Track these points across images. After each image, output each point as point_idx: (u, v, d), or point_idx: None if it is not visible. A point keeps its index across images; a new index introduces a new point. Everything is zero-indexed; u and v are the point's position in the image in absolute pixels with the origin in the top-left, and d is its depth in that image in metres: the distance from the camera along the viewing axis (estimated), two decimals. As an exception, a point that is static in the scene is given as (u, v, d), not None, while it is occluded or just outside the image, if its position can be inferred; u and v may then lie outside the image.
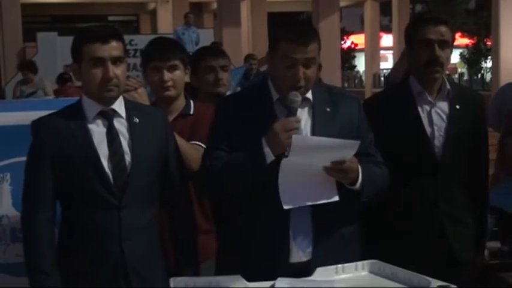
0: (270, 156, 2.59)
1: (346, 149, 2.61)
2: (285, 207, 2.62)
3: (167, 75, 3.25)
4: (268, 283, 2.53)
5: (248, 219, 2.75)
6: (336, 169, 2.60)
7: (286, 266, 2.68)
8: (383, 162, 2.85)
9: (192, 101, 3.38)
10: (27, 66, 11.71)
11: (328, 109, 2.79)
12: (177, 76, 3.28)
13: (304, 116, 2.75)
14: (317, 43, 2.72)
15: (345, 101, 2.87)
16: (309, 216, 2.71)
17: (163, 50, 3.30)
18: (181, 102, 3.34)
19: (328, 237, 2.73)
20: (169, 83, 3.26)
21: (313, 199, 2.66)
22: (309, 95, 2.77)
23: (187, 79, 3.41)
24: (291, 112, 2.65)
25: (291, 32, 2.70)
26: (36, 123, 2.72)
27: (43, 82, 11.48)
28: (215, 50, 3.82)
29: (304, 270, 2.65)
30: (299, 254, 2.71)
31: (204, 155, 2.82)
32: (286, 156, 2.58)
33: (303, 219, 2.70)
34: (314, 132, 2.73)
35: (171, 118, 3.25)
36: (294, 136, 2.56)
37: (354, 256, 2.77)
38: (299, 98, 2.66)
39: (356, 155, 2.64)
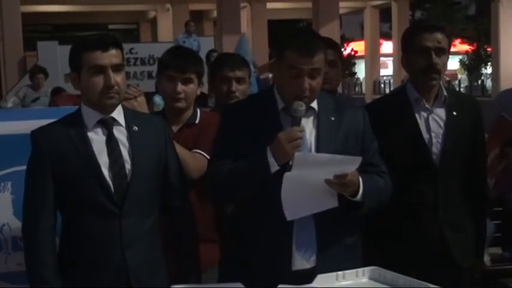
0: (274, 166, 2.60)
1: (348, 165, 2.62)
2: (289, 218, 2.64)
3: (180, 87, 3.24)
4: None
5: (251, 227, 2.75)
6: (337, 183, 2.61)
7: (289, 274, 2.68)
8: (386, 172, 2.85)
9: (198, 110, 3.37)
10: (41, 70, 11.65)
11: (332, 118, 2.79)
12: (190, 89, 3.27)
13: (309, 125, 2.75)
14: (323, 53, 2.71)
15: (350, 110, 2.87)
16: (313, 224, 2.71)
17: (180, 61, 3.28)
18: (189, 113, 3.33)
19: (332, 245, 2.74)
20: (181, 95, 3.25)
21: (315, 209, 2.68)
22: (314, 104, 2.77)
23: (198, 92, 3.40)
24: (295, 121, 2.65)
25: (297, 41, 2.69)
26: (36, 133, 2.72)
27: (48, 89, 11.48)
28: (234, 60, 3.69)
29: (307, 277, 2.65)
30: (302, 261, 2.72)
31: (209, 162, 2.84)
32: (291, 166, 2.59)
33: (306, 228, 2.71)
34: (319, 141, 2.74)
35: (177, 128, 3.26)
36: (296, 154, 2.56)
37: (356, 264, 2.76)
38: (303, 108, 2.66)
39: (360, 164, 2.64)
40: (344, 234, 2.79)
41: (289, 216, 2.64)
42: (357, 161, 2.60)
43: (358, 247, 2.90)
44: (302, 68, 2.65)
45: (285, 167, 2.61)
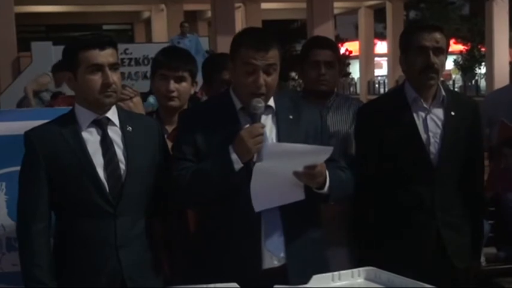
0: (238, 163, 2.61)
1: (318, 155, 2.64)
2: (257, 210, 2.65)
3: (173, 85, 3.25)
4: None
5: (218, 226, 2.75)
6: (306, 174, 2.62)
7: (259, 273, 2.69)
8: (347, 167, 2.89)
9: None
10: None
11: (291, 116, 2.81)
12: (183, 88, 3.28)
13: (268, 123, 2.77)
14: (277, 50, 2.74)
15: (307, 108, 2.90)
16: (280, 221, 2.73)
17: (173, 60, 3.29)
18: None
19: (299, 241, 2.76)
20: (175, 94, 3.25)
21: (283, 200, 2.69)
22: (272, 103, 2.80)
23: (192, 91, 3.39)
24: (255, 119, 2.68)
25: (251, 38, 2.72)
26: (30, 134, 2.71)
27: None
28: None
29: (278, 276, 2.66)
30: (272, 259, 2.72)
31: (171, 165, 2.82)
32: (254, 162, 2.61)
33: (273, 225, 2.72)
34: (279, 139, 2.76)
35: (171, 128, 3.25)
36: (267, 143, 2.59)
37: (324, 260, 2.83)
38: (262, 104, 2.68)
39: None
40: (311, 229, 2.82)
41: (257, 208, 2.64)
42: (327, 150, 2.63)
43: (324, 242, 2.92)
44: (257, 63, 2.67)
45: (249, 164, 2.62)
